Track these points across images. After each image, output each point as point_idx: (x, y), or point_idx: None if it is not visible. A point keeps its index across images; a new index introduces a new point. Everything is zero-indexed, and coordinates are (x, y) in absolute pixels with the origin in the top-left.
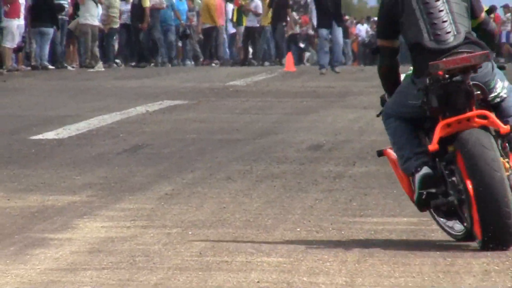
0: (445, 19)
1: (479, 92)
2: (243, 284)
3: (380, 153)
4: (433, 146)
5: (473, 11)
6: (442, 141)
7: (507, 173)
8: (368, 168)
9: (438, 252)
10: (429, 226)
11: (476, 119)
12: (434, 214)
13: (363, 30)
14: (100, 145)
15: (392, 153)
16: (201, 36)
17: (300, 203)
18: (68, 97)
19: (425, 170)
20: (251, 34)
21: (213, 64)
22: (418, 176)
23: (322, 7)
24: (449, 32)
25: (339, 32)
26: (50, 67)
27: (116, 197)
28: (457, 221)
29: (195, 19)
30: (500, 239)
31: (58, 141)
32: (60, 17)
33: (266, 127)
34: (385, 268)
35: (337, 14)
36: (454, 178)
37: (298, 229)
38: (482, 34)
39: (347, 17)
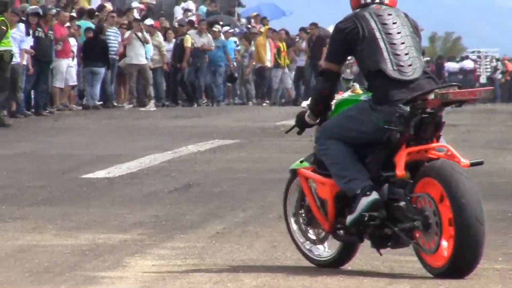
0: (406, 52)
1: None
2: None
3: (294, 172)
4: (400, 172)
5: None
6: (391, 167)
7: None
8: None
9: None
10: (480, 265)
11: (433, 151)
12: (340, 235)
13: None
14: (151, 184)
15: (308, 173)
16: (249, 77)
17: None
18: (119, 136)
19: (376, 195)
20: (301, 74)
21: (264, 104)
22: (367, 199)
23: None
24: (410, 65)
25: None
26: (101, 106)
27: (167, 235)
28: (327, 247)
29: (246, 60)
30: (468, 266)
31: (109, 180)
32: (110, 56)
33: None
34: None
35: None
36: (421, 205)
37: (350, 268)
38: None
39: None
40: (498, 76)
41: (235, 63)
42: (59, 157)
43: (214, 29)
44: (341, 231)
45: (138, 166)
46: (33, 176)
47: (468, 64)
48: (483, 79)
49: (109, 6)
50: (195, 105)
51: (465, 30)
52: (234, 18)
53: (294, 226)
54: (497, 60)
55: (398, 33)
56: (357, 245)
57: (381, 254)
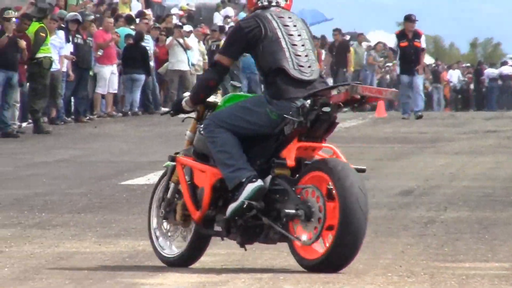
0: (306, 54)
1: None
2: None
3: (173, 159)
4: (291, 162)
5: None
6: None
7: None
8: (459, 213)
9: None
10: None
11: (319, 152)
12: (205, 227)
13: (454, 75)
14: None
15: (186, 161)
16: None
17: (391, 248)
18: (159, 142)
19: (260, 183)
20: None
21: None
22: (252, 185)
23: (404, 55)
24: (309, 67)
25: (419, 80)
26: (141, 113)
27: (211, 242)
28: (174, 245)
29: None
30: (345, 257)
31: (148, 186)
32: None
33: None
34: None
35: (418, 62)
36: (306, 196)
37: (390, 274)
38: None
39: (439, 62)
40: None
41: None
42: (98, 163)
43: None
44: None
45: None
46: (73, 183)
47: (506, 69)
48: None
49: (148, 12)
50: None
51: (506, 36)
52: None
53: (154, 221)
54: None
55: (299, 35)
56: (208, 242)
57: (245, 249)
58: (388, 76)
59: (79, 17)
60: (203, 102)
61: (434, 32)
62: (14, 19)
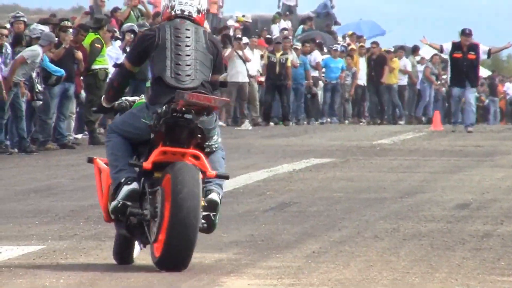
0: (188, 63)
1: (200, 135)
2: None
3: (90, 160)
4: (147, 164)
5: (214, 67)
6: (155, 164)
7: (201, 209)
8: None
9: None
10: None
11: (190, 157)
12: (116, 225)
13: (511, 88)
14: (247, 203)
15: (100, 163)
16: (352, 95)
17: (447, 262)
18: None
19: (134, 185)
20: (401, 93)
21: (360, 123)
22: (126, 188)
23: (457, 67)
24: (188, 75)
25: (471, 93)
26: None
27: (263, 254)
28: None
29: (348, 78)
30: (178, 261)
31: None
32: None
33: (413, 185)
34: None
35: (472, 75)
36: (156, 197)
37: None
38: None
39: (495, 74)
40: None
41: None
42: None
43: (296, 46)
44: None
45: (233, 185)
46: None
47: None
48: None
49: (205, 24)
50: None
51: None
52: (331, 36)
53: None
54: None
55: (187, 46)
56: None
57: (141, 248)
58: (444, 89)
59: (135, 28)
60: (114, 100)
61: (492, 44)
62: (70, 30)
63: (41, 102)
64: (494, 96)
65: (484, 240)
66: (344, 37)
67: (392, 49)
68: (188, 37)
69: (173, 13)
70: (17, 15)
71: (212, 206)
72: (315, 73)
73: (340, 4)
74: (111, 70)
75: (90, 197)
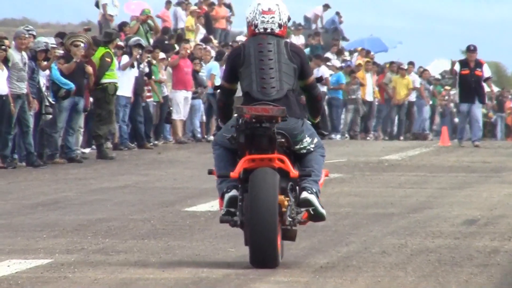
0: (273, 76)
1: (283, 140)
2: None
3: (210, 172)
4: (234, 174)
5: (301, 73)
6: (247, 172)
7: (284, 209)
8: None
9: None
10: None
11: (276, 161)
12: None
13: None
14: None
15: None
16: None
17: (455, 278)
18: None
19: (233, 192)
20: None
21: (368, 138)
22: (227, 196)
23: (465, 83)
24: (273, 87)
25: (477, 109)
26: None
27: (271, 270)
28: None
29: (359, 93)
30: (265, 259)
31: (212, 213)
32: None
33: (420, 201)
34: None
35: (480, 90)
36: (244, 203)
37: None
38: (308, 95)
39: (504, 91)
40: None
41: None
42: (162, 190)
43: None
44: None
45: None
46: (136, 209)
47: None
48: None
49: (214, 39)
50: None
51: None
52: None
53: None
54: None
55: (270, 59)
56: None
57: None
58: (452, 104)
59: (142, 42)
60: (228, 119)
61: (496, 59)
62: (82, 45)
63: (51, 116)
64: (502, 112)
65: (492, 256)
66: (351, 53)
67: (406, 66)
68: (270, 51)
69: (256, 31)
70: (27, 29)
71: (306, 203)
72: (323, 88)
73: (348, 20)
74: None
75: (97, 211)
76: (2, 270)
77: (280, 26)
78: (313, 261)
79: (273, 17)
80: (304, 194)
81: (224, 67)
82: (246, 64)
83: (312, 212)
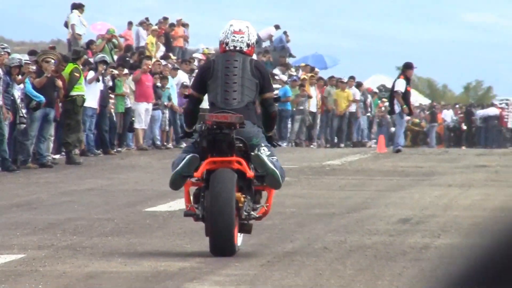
0: (235, 89)
1: (241, 145)
2: None
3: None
4: (197, 173)
5: (261, 89)
6: (209, 172)
7: (241, 205)
8: (451, 240)
9: None
10: None
11: (235, 163)
12: None
13: (448, 115)
14: None
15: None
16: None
17: (390, 271)
18: None
19: (191, 155)
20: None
21: (312, 146)
22: (187, 157)
23: (408, 98)
24: (235, 99)
25: (404, 119)
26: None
27: (223, 263)
28: None
29: (306, 105)
30: (222, 247)
31: (170, 213)
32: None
33: (359, 202)
34: None
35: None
36: (206, 199)
37: None
38: (264, 110)
39: (434, 103)
40: None
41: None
42: (124, 192)
43: None
44: None
45: None
46: (101, 209)
47: (491, 111)
48: (510, 124)
49: (172, 56)
50: None
51: (497, 79)
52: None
53: None
54: None
55: (235, 74)
56: None
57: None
58: (388, 116)
59: (107, 59)
60: (193, 125)
61: (429, 75)
62: (53, 61)
63: (24, 125)
64: (435, 122)
65: (423, 252)
66: (297, 69)
67: (345, 80)
68: (236, 67)
69: (227, 48)
70: (2, 46)
71: (256, 158)
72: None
73: (294, 39)
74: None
75: (66, 211)
76: None
77: (248, 45)
78: (261, 256)
79: (242, 37)
80: (256, 152)
81: (194, 78)
82: (214, 77)
83: (265, 173)
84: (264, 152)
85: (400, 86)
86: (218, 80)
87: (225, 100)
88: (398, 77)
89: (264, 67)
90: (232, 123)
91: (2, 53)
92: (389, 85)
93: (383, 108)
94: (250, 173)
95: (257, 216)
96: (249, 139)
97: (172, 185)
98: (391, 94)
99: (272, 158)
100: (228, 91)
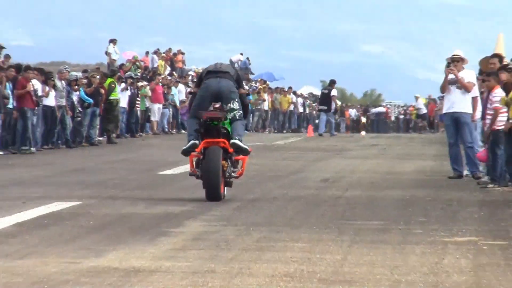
0: (222, 70)
1: (225, 132)
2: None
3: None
4: (197, 149)
5: (238, 84)
6: (205, 148)
7: (225, 169)
8: (356, 193)
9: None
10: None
11: (221, 143)
12: None
13: (352, 112)
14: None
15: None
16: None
17: (315, 212)
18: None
19: (194, 140)
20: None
21: (265, 132)
22: (192, 141)
23: (322, 100)
24: (223, 71)
25: (331, 115)
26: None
27: (210, 207)
28: None
29: (260, 106)
30: (213, 197)
31: (174, 175)
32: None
33: (296, 168)
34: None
35: (329, 106)
36: (202, 165)
37: (315, 227)
38: (241, 101)
39: (343, 104)
40: (401, 116)
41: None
42: (144, 161)
43: None
44: None
45: (186, 168)
46: (129, 172)
47: (379, 109)
48: (393, 118)
49: (175, 73)
50: None
51: (385, 88)
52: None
53: None
54: (402, 107)
55: (221, 67)
56: None
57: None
58: (314, 112)
59: (133, 75)
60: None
61: (342, 86)
62: (97, 77)
63: (80, 118)
64: (343, 117)
65: (337, 200)
66: (256, 82)
67: (286, 89)
68: (222, 64)
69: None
70: (65, 67)
71: (234, 145)
72: None
73: (254, 62)
74: (122, 99)
75: (107, 173)
76: (51, 208)
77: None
78: (234, 203)
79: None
80: (233, 140)
81: (197, 79)
82: (207, 73)
83: (238, 149)
84: (236, 107)
85: (334, 93)
86: (211, 72)
87: (215, 66)
88: (329, 87)
89: (233, 66)
90: (219, 117)
91: (64, 71)
92: (316, 93)
93: (312, 108)
94: (231, 149)
95: (236, 176)
96: (229, 92)
97: (183, 154)
98: (326, 98)
99: (241, 121)
100: (219, 76)
